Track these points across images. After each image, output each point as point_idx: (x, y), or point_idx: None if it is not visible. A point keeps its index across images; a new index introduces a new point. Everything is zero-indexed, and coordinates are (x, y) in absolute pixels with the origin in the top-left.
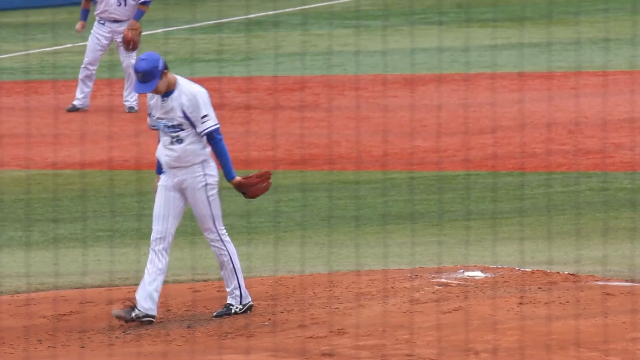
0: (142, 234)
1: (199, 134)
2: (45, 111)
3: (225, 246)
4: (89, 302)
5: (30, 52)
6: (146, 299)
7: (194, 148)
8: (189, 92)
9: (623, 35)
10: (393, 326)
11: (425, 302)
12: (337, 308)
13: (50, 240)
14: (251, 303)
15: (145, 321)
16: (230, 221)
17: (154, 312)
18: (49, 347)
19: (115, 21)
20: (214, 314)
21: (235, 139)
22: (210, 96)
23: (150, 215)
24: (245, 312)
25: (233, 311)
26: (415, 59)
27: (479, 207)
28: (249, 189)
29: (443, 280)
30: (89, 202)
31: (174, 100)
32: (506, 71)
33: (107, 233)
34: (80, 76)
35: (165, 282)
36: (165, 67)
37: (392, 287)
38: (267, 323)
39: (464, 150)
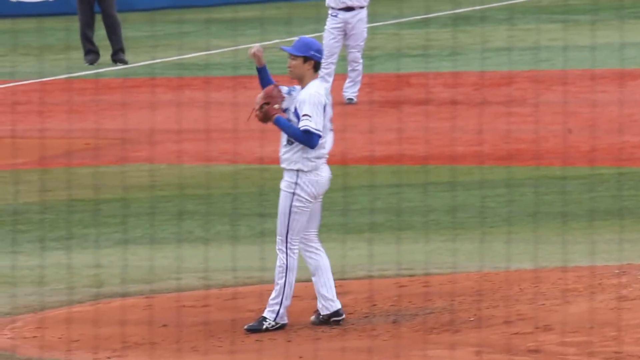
0: (348, 229)
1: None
2: (253, 106)
3: (286, 260)
4: (296, 296)
5: (239, 47)
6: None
7: (292, 155)
8: (308, 91)
9: None
10: (600, 323)
11: (634, 299)
12: (543, 304)
13: (257, 235)
14: (285, 324)
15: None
16: (436, 216)
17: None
18: (256, 340)
19: (348, 9)
20: (246, 326)
21: (442, 134)
22: (417, 91)
23: (358, 210)
24: (277, 329)
25: (265, 327)
26: (625, 53)
27: None
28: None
29: None
30: None
31: (298, 95)
32: None
33: None
34: (321, 73)
35: (370, 277)
36: (316, 62)
37: (599, 284)
38: (472, 319)
39: None
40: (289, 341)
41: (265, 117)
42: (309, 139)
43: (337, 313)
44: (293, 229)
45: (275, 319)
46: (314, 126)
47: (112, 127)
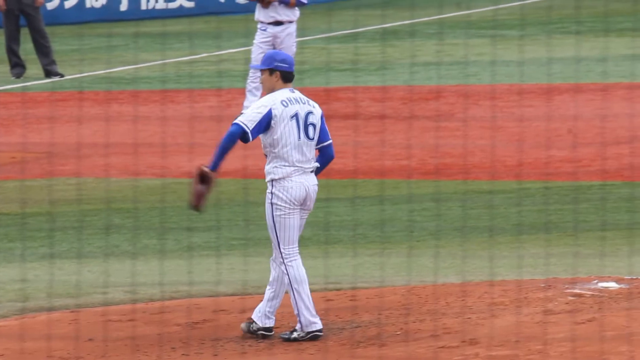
0: None
1: (265, 151)
2: (181, 120)
3: (286, 270)
4: (223, 310)
5: (167, 61)
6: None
7: (267, 166)
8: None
9: None
10: (526, 337)
11: (559, 313)
12: (469, 318)
13: (184, 249)
14: (316, 331)
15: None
16: (364, 230)
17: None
18: (183, 354)
19: (277, 23)
20: (280, 335)
21: (369, 148)
22: (345, 105)
23: None
24: (310, 339)
25: (293, 336)
26: (552, 68)
27: (614, 217)
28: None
29: (577, 291)
30: (223, 210)
31: None
32: None
33: (241, 242)
34: (249, 87)
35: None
36: (282, 72)
37: (525, 298)
38: (399, 332)
39: (599, 160)
40: (216, 355)
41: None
42: (229, 131)
43: (268, 329)
44: (283, 239)
45: (302, 329)
46: (240, 119)
47: (39, 140)
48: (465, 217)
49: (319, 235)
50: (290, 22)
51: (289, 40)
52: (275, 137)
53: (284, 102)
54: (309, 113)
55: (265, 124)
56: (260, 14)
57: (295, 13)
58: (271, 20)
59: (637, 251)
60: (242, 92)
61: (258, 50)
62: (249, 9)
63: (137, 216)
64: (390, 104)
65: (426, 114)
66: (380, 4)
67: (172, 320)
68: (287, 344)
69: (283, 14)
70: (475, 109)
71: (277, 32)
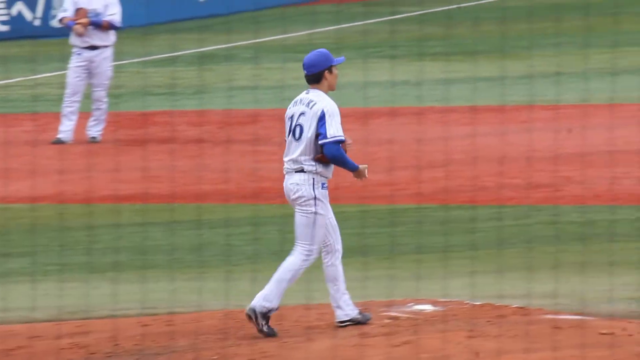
0: (92, 268)
1: None
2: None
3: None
4: (38, 336)
5: None
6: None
7: None
8: None
9: (575, 69)
10: None
11: (375, 336)
12: (286, 342)
13: None
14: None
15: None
16: (181, 255)
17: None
18: None
19: (92, 48)
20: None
21: (187, 173)
22: (162, 130)
23: (102, 249)
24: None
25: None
26: (368, 92)
27: (430, 240)
28: None
29: (393, 313)
30: (38, 236)
31: None
32: (458, 105)
33: (56, 267)
34: (64, 111)
35: (113, 316)
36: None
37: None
38: (216, 357)
39: (415, 183)
40: None
41: None
42: None
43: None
44: None
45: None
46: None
47: None
48: (283, 241)
49: (136, 260)
50: (106, 46)
51: (104, 65)
52: None
53: (290, 105)
54: (300, 114)
55: None
56: (75, 38)
57: (111, 37)
58: (86, 44)
59: (451, 274)
60: (57, 117)
61: (74, 74)
62: (64, 33)
63: None
64: (208, 127)
65: (243, 138)
66: (197, 28)
67: None
68: None
69: (98, 38)
70: None
71: (92, 57)
